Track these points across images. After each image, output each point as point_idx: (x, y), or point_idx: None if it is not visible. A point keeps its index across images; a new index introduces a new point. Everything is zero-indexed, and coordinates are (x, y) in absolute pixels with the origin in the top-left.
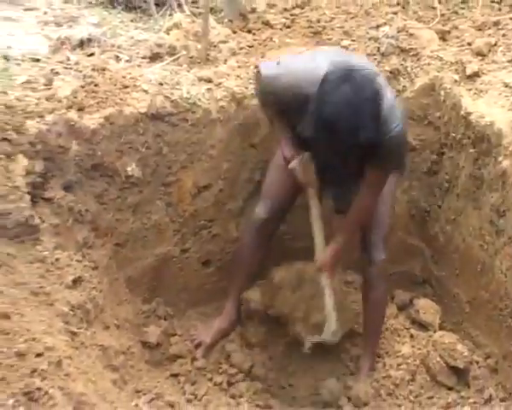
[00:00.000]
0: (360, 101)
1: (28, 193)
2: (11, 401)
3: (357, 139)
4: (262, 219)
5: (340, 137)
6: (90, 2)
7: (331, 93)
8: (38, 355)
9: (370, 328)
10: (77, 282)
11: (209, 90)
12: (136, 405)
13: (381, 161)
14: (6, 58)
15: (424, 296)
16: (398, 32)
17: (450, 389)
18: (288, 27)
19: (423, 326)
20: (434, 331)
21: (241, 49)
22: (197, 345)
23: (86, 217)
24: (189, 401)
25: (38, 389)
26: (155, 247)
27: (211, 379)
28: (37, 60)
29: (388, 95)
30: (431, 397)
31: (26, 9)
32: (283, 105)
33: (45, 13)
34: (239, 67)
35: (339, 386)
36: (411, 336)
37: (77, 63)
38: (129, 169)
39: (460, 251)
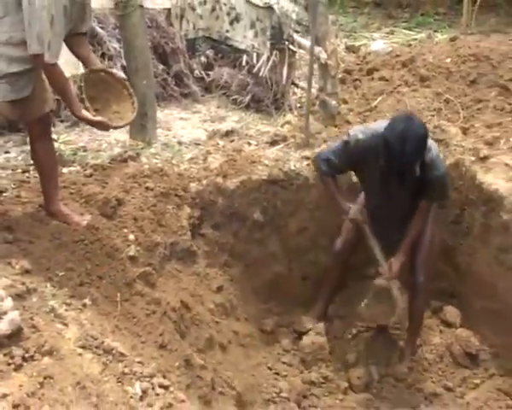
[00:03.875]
0: (413, 134)
1: (190, 230)
2: None
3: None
4: (339, 249)
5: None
6: (234, 108)
7: (396, 126)
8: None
9: (413, 326)
10: (220, 289)
11: (308, 165)
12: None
13: (432, 195)
14: (179, 143)
15: (450, 304)
16: (435, 128)
17: (466, 367)
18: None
19: (449, 325)
20: (456, 328)
21: (330, 137)
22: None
23: (226, 246)
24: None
25: None
26: (271, 267)
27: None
28: (198, 144)
29: (435, 146)
30: (453, 373)
31: (193, 112)
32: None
33: (205, 114)
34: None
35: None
36: (440, 331)
37: (223, 146)
38: (255, 216)
39: (474, 275)
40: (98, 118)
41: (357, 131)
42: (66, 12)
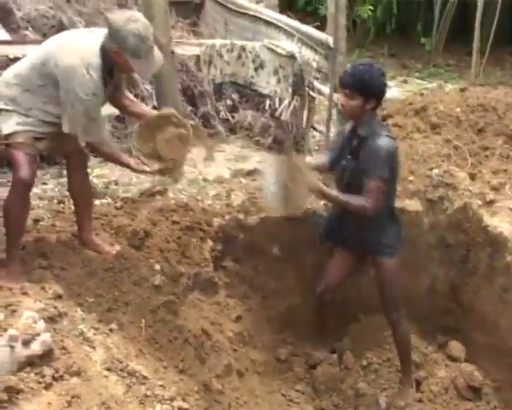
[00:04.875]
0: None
1: (212, 262)
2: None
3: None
4: (318, 292)
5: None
6: (257, 148)
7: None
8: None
9: (400, 358)
10: (238, 318)
11: (326, 204)
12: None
13: (369, 166)
14: (204, 180)
15: (455, 339)
16: (444, 172)
17: (469, 400)
18: None
19: (454, 359)
20: (461, 362)
21: None
22: None
23: (246, 279)
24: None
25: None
26: (286, 298)
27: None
28: (222, 182)
29: (390, 141)
30: (456, 405)
31: (218, 151)
32: None
33: (229, 154)
34: None
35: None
36: (446, 365)
37: (246, 185)
38: (273, 251)
39: (479, 312)
40: (155, 167)
41: None
42: (99, 102)
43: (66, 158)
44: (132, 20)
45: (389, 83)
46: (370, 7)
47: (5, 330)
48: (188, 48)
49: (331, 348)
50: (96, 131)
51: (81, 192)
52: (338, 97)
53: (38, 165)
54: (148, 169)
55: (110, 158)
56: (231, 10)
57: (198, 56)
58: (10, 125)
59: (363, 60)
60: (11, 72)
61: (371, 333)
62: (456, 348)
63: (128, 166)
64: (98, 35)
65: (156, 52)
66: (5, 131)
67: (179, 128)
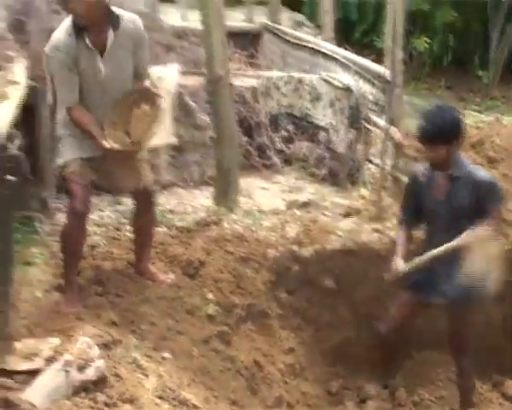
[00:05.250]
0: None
1: (265, 294)
2: None
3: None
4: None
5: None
6: (311, 180)
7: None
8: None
9: (462, 402)
10: (291, 350)
11: (380, 237)
12: None
13: (486, 199)
14: (259, 211)
15: (511, 378)
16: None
17: None
18: None
19: (509, 398)
20: None
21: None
22: None
23: (299, 310)
24: None
25: None
26: (340, 331)
27: None
28: (277, 213)
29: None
30: None
31: (273, 182)
32: None
33: (284, 185)
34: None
35: None
36: (500, 404)
37: (300, 216)
38: (327, 283)
39: None
40: (116, 146)
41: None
42: (63, 59)
43: (134, 198)
44: None
45: None
46: (427, 39)
47: (61, 354)
48: (245, 79)
49: (383, 383)
50: (62, 94)
51: (143, 230)
52: (394, 131)
53: (95, 192)
54: (107, 145)
55: (78, 125)
56: (289, 42)
57: (255, 88)
58: (63, 155)
59: (424, 94)
60: None
61: (424, 370)
62: (511, 387)
63: (93, 138)
64: None
65: None
66: (59, 163)
67: (153, 106)
